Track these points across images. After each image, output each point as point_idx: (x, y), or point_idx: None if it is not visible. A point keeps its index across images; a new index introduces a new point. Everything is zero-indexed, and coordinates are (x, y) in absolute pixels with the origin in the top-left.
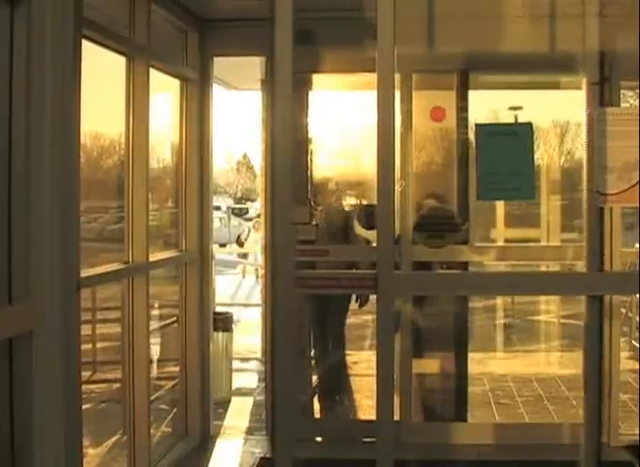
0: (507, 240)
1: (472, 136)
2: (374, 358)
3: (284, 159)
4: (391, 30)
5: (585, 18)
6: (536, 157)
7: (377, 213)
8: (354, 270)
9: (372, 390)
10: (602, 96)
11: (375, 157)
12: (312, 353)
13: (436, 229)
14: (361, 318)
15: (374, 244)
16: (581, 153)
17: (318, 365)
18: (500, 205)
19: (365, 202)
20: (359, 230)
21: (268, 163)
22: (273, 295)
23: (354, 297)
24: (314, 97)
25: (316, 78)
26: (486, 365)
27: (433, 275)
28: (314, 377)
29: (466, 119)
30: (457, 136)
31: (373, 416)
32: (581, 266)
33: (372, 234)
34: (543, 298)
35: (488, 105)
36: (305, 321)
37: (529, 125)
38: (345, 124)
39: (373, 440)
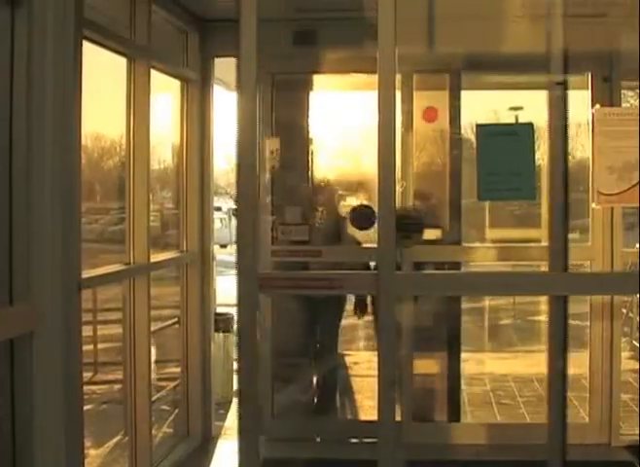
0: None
1: (467, 136)
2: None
3: (247, 158)
4: (392, 31)
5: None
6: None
7: (379, 213)
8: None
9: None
10: (565, 98)
11: (376, 157)
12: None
13: (401, 229)
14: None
15: (365, 245)
16: (579, 153)
17: (314, 366)
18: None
19: (357, 203)
20: (351, 230)
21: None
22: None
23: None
24: (315, 98)
25: (316, 78)
26: (486, 365)
27: (433, 276)
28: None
29: (458, 119)
30: (450, 137)
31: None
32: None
33: (362, 235)
34: (543, 298)
35: (488, 105)
36: (298, 322)
37: (530, 125)
38: (345, 124)
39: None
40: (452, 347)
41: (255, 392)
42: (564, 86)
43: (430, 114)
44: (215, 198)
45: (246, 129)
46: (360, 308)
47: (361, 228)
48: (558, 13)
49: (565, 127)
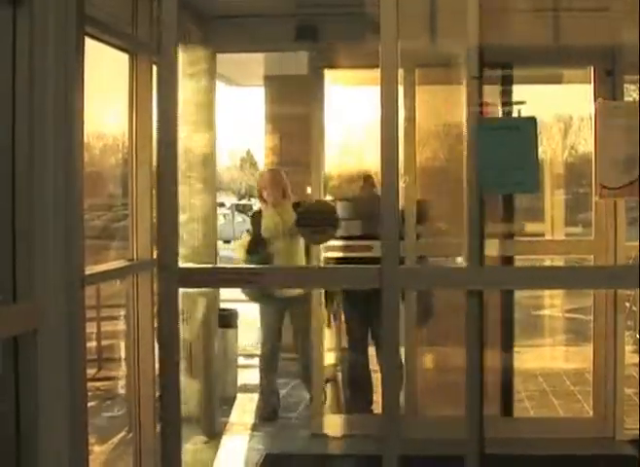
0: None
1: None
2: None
3: (168, 152)
4: (394, 24)
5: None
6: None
7: (382, 207)
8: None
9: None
10: (481, 91)
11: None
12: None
13: (314, 224)
14: None
15: None
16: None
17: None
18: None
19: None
20: None
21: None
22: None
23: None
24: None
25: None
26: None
27: (438, 270)
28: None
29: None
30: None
31: None
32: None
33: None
34: (547, 292)
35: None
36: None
37: (533, 119)
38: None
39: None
40: (505, 341)
41: (177, 393)
42: (480, 80)
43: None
44: (218, 194)
45: (168, 127)
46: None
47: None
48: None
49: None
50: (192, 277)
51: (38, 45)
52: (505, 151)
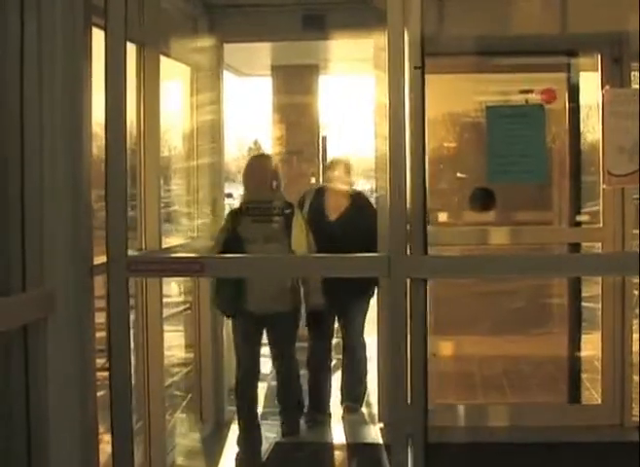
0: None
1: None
2: None
3: (116, 143)
4: (400, 12)
5: None
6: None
7: (389, 196)
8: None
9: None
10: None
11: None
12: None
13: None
14: None
15: None
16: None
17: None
18: None
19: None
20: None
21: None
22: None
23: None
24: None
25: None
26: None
27: (445, 258)
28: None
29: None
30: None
31: None
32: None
33: None
34: (556, 280)
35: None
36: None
37: (541, 106)
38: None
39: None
40: (572, 329)
41: (128, 389)
42: (422, 70)
43: (548, 95)
44: (226, 185)
45: (115, 116)
46: (314, 323)
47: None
48: None
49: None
50: (139, 267)
51: (45, 35)
52: (512, 139)
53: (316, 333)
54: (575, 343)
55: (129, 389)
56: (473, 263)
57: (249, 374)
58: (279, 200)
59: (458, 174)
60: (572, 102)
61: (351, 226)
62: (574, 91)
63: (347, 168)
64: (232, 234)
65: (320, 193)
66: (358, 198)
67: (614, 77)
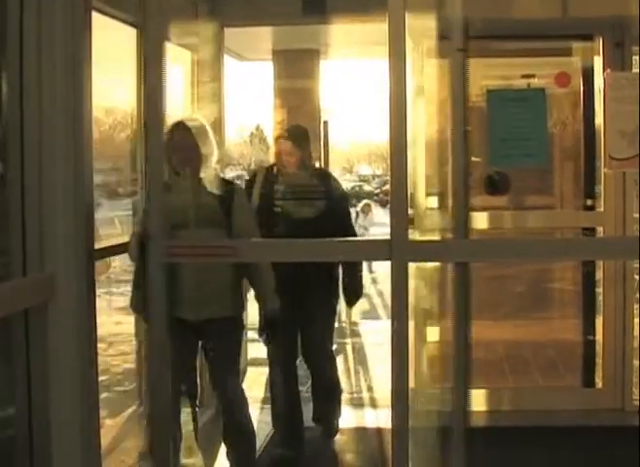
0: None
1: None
2: None
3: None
4: None
5: None
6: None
7: (390, 180)
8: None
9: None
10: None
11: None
12: None
13: None
14: None
15: None
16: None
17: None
18: None
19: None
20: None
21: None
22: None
23: None
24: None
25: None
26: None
27: (447, 242)
28: None
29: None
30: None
31: None
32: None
33: None
34: (558, 264)
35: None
36: None
37: (542, 91)
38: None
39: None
40: (586, 313)
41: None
42: (465, 53)
43: (563, 79)
44: (227, 170)
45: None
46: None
47: None
48: None
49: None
50: (175, 251)
51: (45, 19)
52: (514, 123)
53: (276, 349)
54: (589, 328)
55: None
56: (474, 247)
57: (176, 396)
58: (210, 178)
59: (473, 158)
60: (585, 86)
61: (315, 212)
62: (587, 75)
63: (306, 140)
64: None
65: (272, 171)
66: (322, 178)
67: (615, 61)
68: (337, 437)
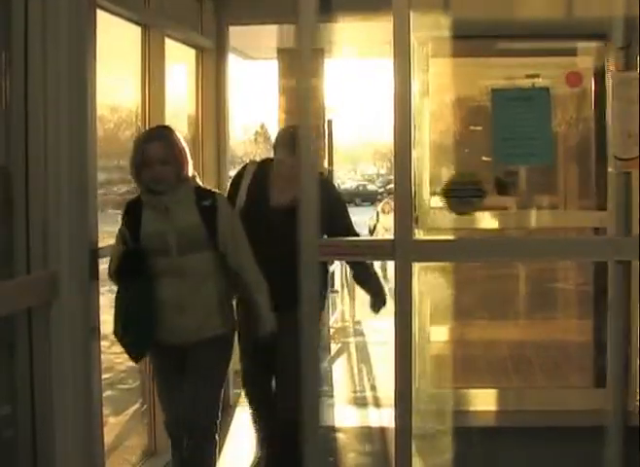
0: None
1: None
2: None
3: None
4: None
5: None
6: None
7: (394, 179)
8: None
9: None
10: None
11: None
12: None
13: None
14: None
15: None
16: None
17: None
18: None
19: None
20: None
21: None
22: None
23: None
24: None
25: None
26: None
27: (451, 242)
28: None
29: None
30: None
31: None
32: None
33: None
34: (563, 264)
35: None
36: None
37: (546, 89)
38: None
39: None
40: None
41: None
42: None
43: (574, 78)
44: (232, 169)
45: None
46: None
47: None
48: None
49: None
50: (329, 250)
51: (50, 18)
52: (518, 121)
53: (255, 390)
54: (600, 328)
55: None
56: (476, 246)
57: (178, 426)
58: (188, 190)
59: (483, 158)
60: (597, 86)
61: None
62: (599, 75)
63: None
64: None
65: (262, 173)
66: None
67: (620, 61)
68: (341, 435)
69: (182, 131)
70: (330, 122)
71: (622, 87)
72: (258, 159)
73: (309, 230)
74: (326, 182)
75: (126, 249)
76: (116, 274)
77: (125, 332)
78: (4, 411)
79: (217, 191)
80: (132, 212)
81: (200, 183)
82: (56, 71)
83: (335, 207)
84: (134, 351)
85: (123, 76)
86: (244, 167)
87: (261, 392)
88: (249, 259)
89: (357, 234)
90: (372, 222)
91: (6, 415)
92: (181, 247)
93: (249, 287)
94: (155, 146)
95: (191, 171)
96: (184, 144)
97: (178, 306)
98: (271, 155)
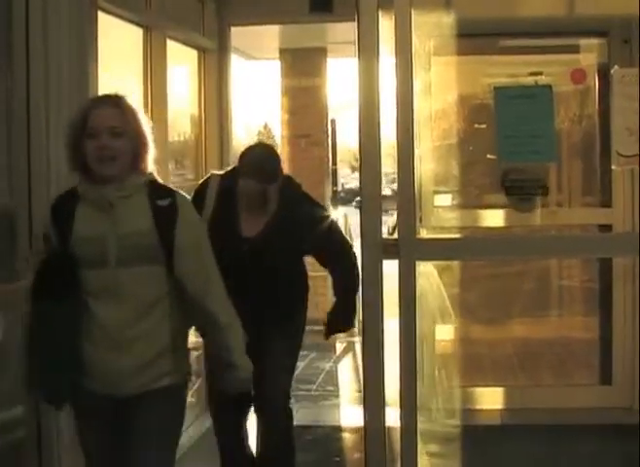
0: None
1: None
2: None
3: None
4: None
5: None
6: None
7: (397, 178)
8: None
9: None
10: None
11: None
12: None
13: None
14: None
15: None
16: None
17: None
18: None
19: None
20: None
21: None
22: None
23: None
24: None
25: None
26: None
27: (455, 240)
28: None
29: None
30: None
31: None
32: None
33: None
34: (568, 261)
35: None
36: None
37: (549, 87)
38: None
39: None
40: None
41: None
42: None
43: (578, 75)
44: None
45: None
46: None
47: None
48: None
49: None
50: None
51: (52, 19)
52: (522, 119)
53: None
54: (605, 325)
55: None
56: (481, 244)
57: None
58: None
59: (488, 155)
60: (600, 82)
61: (280, 228)
62: (602, 72)
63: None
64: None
65: (231, 184)
66: (289, 188)
67: (623, 58)
68: (347, 435)
69: (185, 132)
70: (333, 121)
71: (622, 83)
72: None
73: (371, 228)
74: (295, 188)
75: (48, 258)
76: (33, 293)
77: (39, 374)
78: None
79: (179, 191)
80: (63, 209)
81: (161, 181)
82: (58, 73)
83: (308, 225)
84: (51, 400)
85: (124, 78)
86: (206, 182)
87: (234, 440)
88: (216, 284)
89: (350, 245)
90: (392, 222)
91: (11, 416)
92: (123, 258)
93: (215, 324)
94: (107, 112)
95: (150, 165)
96: (148, 127)
97: (113, 341)
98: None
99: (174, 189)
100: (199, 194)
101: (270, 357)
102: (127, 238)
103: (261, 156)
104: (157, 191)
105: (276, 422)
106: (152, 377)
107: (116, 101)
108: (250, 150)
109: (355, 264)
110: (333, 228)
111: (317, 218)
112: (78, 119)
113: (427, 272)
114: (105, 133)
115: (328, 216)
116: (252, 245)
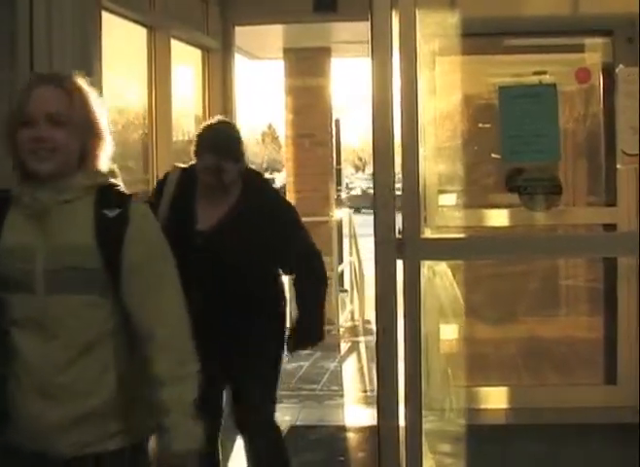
0: None
1: None
2: None
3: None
4: None
5: None
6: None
7: (402, 178)
8: None
9: None
10: None
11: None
12: None
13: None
14: None
15: None
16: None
17: None
18: None
19: None
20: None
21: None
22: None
23: None
24: None
25: None
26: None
27: (460, 240)
28: None
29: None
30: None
31: None
32: None
33: None
34: (572, 261)
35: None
36: None
37: (553, 86)
38: None
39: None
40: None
41: None
42: None
43: (583, 74)
44: None
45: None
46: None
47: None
48: None
49: None
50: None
51: (56, 18)
52: (526, 118)
53: None
54: (610, 325)
55: None
56: (486, 244)
57: None
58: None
59: (493, 155)
60: (605, 81)
61: (239, 221)
62: (607, 71)
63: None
64: None
65: (192, 176)
66: (253, 183)
67: (628, 57)
68: (351, 435)
69: (189, 131)
70: (337, 121)
71: (627, 82)
72: (265, 158)
73: (385, 224)
74: (262, 183)
75: None
76: None
77: None
78: None
79: (136, 199)
80: None
81: (121, 186)
82: (62, 69)
83: (272, 218)
84: None
85: (129, 77)
86: (165, 177)
87: None
88: (171, 328)
89: (318, 252)
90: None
91: None
92: (53, 280)
93: (152, 377)
94: (47, 94)
95: (105, 162)
96: (103, 116)
97: (40, 384)
98: (279, 155)
99: (131, 197)
100: (159, 185)
101: (246, 383)
102: (59, 255)
103: (217, 129)
104: (107, 197)
105: (265, 443)
106: (95, 435)
107: (60, 80)
108: (207, 125)
109: (324, 268)
110: (299, 225)
111: (281, 212)
112: (15, 102)
113: (441, 271)
114: (43, 121)
115: (294, 212)
116: (206, 239)
